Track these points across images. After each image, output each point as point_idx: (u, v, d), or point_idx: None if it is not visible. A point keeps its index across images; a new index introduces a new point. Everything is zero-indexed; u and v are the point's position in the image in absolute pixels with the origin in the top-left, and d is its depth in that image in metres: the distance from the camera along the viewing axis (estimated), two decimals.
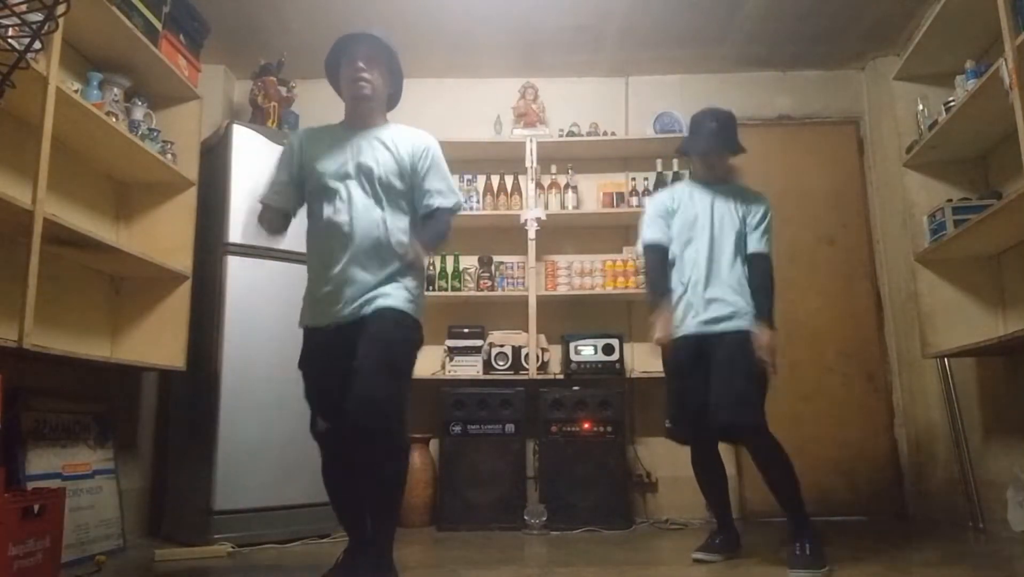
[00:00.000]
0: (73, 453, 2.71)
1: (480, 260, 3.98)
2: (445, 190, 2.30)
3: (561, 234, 4.10)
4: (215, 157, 3.30)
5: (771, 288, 2.64)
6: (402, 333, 2.15)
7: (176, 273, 3.06)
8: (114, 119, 2.74)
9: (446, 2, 3.53)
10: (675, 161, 3.92)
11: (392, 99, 2.39)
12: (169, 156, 3.09)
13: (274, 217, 2.35)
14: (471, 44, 3.93)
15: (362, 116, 2.30)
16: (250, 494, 3.01)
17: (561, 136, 4.07)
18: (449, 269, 3.94)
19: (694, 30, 3.81)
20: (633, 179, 4.09)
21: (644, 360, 3.89)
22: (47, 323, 2.55)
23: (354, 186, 2.19)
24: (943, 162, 3.33)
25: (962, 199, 3.18)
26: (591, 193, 4.11)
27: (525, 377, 3.75)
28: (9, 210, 2.13)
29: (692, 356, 2.59)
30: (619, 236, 4.10)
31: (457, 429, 3.55)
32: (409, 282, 2.21)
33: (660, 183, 3.89)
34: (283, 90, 3.68)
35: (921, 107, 3.29)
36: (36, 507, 2.06)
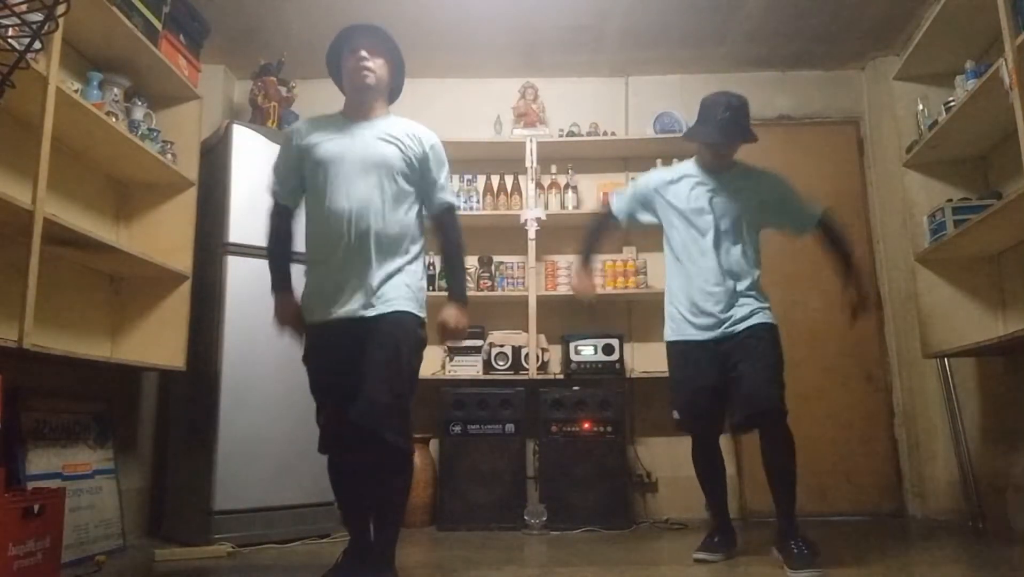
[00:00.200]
0: (73, 453, 2.71)
1: (480, 260, 3.98)
2: (448, 185, 2.32)
3: (561, 234, 4.09)
4: (215, 157, 3.30)
5: (846, 241, 2.67)
6: (410, 336, 2.14)
7: (176, 273, 3.06)
8: (114, 119, 2.74)
9: (446, 2, 3.53)
10: (675, 161, 3.91)
11: (393, 93, 2.36)
12: (169, 156, 3.09)
13: (282, 215, 2.32)
14: (471, 44, 3.93)
15: (363, 107, 2.26)
16: (250, 494, 3.00)
17: (561, 136, 4.07)
18: None
19: (694, 30, 3.81)
20: (633, 179, 4.05)
21: (644, 360, 3.90)
22: (47, 323, 2.55)
23: (355, 178, 2.15)
24: (943, 162, 3.33)
25: (962, 199, 3.18)
26: (591, 193, 4.11)
27: (525, 377, 3.75)
28: (9, 210, 2.13)
29: (708, 354, 2.56)
30: (619, 236, 4.10)
31: (457, 429, 3.55)
32: (413, 278, 2.21)
33: None
34: (283, 90, 3.68)
35: (921, 107, 3.29)
36: (36, 507, 2.06)
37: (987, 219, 2.74)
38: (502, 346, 3.80)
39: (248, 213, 3.10)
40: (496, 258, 3.99)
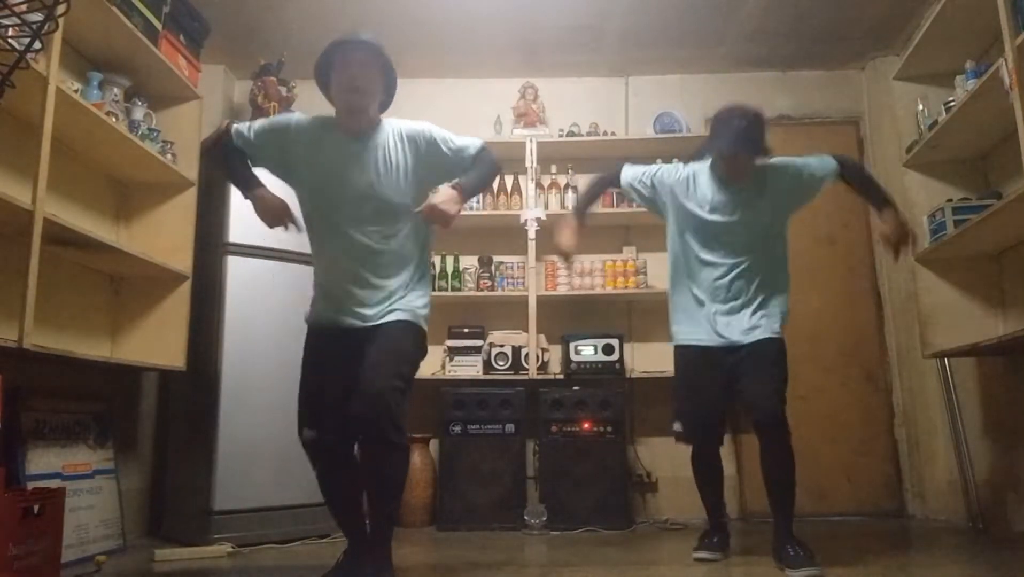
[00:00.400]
0: (73, 453, 2.71)
1: (480, 260, 3.98)
2: (466, 140, 2.30)
3: None
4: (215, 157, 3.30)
5: (872, 178, 2.68)
6: (412, 345, 2.16)
7: (176, 273, 3.06)
8: (114, 119, 2.74)
9: (446, 2, 3.53)
10: (675, 161, 3.91)
11: (383, 106, 2.30)
12: (169, 156, 3.09)
13: (236, 151, 2.25)
14: (471, 44, 3.93)
15: (355, 125, 2.22)
16: (250, 494, 3.01)
17: (561, 136, 4.07)
18: (449, 269, 3.95)
19: (694, 30, 3.81)
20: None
21: (644, 360, 3.90)
22: (47, 323, 2.55)
23: (352, 199, 2.16)
24: (943, 162, 3.33)
25: (962, 199, 3.18)
26: None
27: (525, 377, 3.75)
28: (9, 210, 2.13)
29: (713, 363, 2.55)
30: (619, 236, 4.10)
31: (457, 429, 3.55)
32: (419, 296, 2.22)
33: None
34: (283, 90, 3.68)
35: (921, 107, 3.29)
36: (36, 507, 2.06)
37: (987, 219, 2.74)
38: (502, 346, 3.80)
39: (248, 213, 3.08)
40: (496, 258, 3.99)
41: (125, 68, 2.95)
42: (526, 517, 3.42)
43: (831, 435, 3.85)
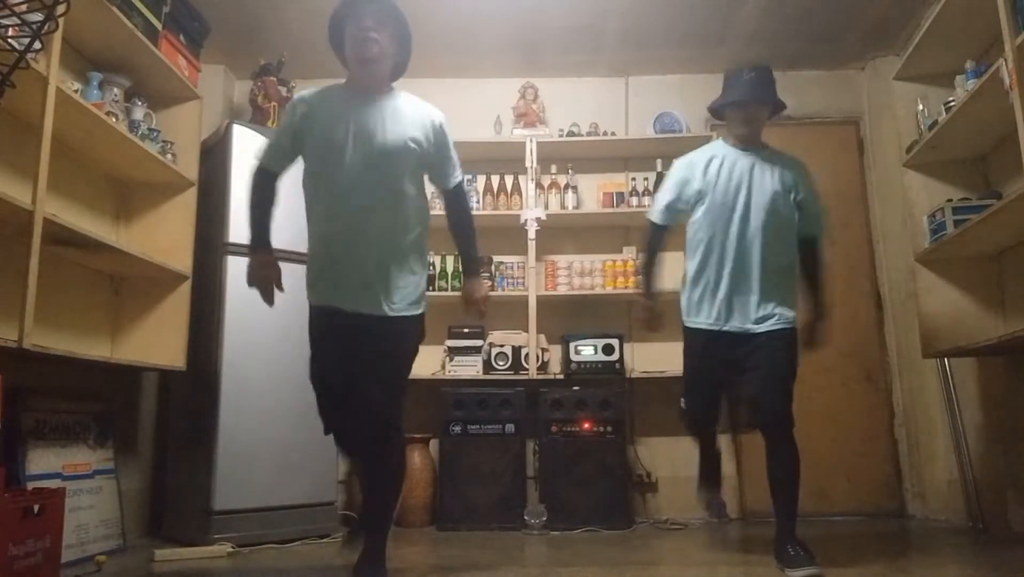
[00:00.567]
0: (73, 453, 2.71)
1: (480, 260, 3.98)
2: (458, 161, 2.33)
3: (561, 234, 4.10)
4: (215, 157, 3.30)
5: (821, 283, 2.62)
6: (416, 339, 2.21)
7: (176, 273, 3.06)
8: (114, 119, 2.74)
9: (446, 2, 3.53)
10: (675, 161, 3.91)
11: (398, 69, 2.28)
12: (169, 156, 3.09)
13: (268, 178, 2.28)
14: (471, 44, 3.93)
15: (368, 81, 2.19)
16: (250, 494, 3.00)
17: (561, 136, 4.07)
18: (449, 269, 3.95)
19: (694, 30, 3.81)
20: (633, 179, 4.09)
21: (644, 360, 3.90)
22: (47, 323, 2.55)
23: (362, 170, 2.12)
24: (943, 162, 3.33)
25: (962, 199, 3.18)
26: (591, 193, 4.11)
27: (525, 377, 3.75)
28: (9, 210, 2.13)
29: (725, 348, 2.52)
30: (619, 236, 4.10)
31: (457, 429, 3.55)
32: (423, 276, 2.25)
33: (660, 183, 3.88)
34: (283, 90, 3.68)
35: (921, 107, 3.29)
36: (36, 507, 2.06)
37: (987, 219, 2.74)
38: (502, 346, 3.80)
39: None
40: (496, 258, 3.99)
41: (125, 68, 2.95)
42: (526, 517, 3.42)
43: (831, 435, 3.85)
